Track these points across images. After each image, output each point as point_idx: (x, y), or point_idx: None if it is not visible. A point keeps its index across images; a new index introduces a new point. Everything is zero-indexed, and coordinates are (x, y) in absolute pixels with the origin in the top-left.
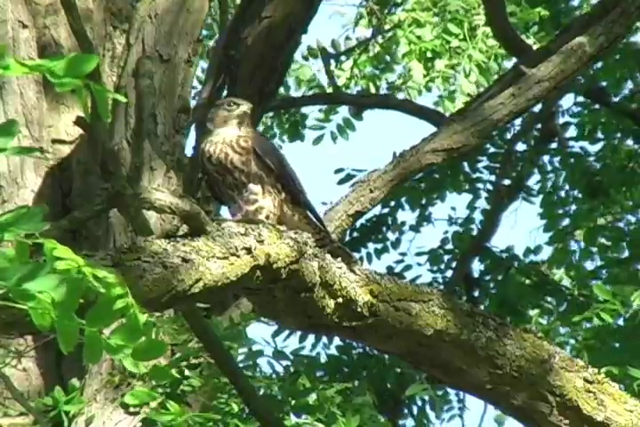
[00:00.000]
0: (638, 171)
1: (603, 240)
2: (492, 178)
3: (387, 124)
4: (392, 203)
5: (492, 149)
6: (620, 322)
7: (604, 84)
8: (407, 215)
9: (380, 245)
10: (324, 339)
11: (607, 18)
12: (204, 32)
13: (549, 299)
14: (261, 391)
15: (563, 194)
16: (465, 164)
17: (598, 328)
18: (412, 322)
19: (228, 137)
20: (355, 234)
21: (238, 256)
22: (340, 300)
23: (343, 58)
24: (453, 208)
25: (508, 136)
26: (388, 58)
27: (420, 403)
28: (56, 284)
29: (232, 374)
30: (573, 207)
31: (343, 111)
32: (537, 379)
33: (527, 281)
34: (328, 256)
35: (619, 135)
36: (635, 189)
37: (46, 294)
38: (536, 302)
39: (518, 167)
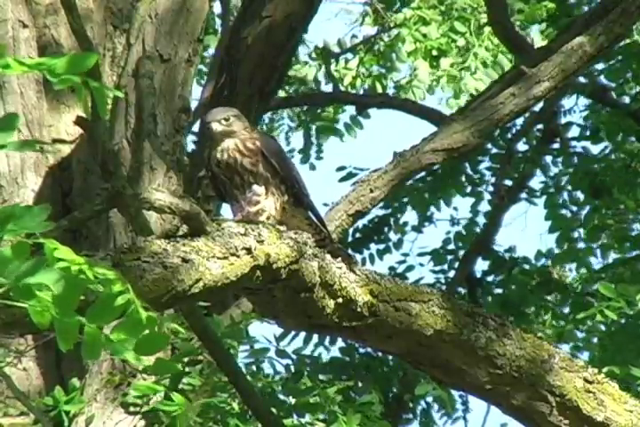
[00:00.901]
0: None
1: (605, 240)
2: (494, 179)
3: (388, 124)
4: (395, 204)
5: (494, 150)
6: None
7: (607, 84)
8: (409, 216)
9: (382, 246)
10: (327, 341)
11: (607, 18)
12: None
13: (552, 299)
14: (262, 391)
15: (566, 194)
16: (467, 165)
17: (608, 327)
18: (411, 322)
19: (232, 144)
20: (357, 235)
21: (238, 256)
22: (340, 300)
23: (349, 56)
24: (455, 208)
25: (509, 136)
26: (393, 56)
27: (424, 404)
28: (56, 278)
29: (232, 373)
30: (577, 208)
31: (350, 109)
32: (537, 379)
33: (530, 281)
34: (328, 256)
35: (621, 135)
36: (638, 189)
37: (46, 292)
38: (539, 303)
39: (520, 168)
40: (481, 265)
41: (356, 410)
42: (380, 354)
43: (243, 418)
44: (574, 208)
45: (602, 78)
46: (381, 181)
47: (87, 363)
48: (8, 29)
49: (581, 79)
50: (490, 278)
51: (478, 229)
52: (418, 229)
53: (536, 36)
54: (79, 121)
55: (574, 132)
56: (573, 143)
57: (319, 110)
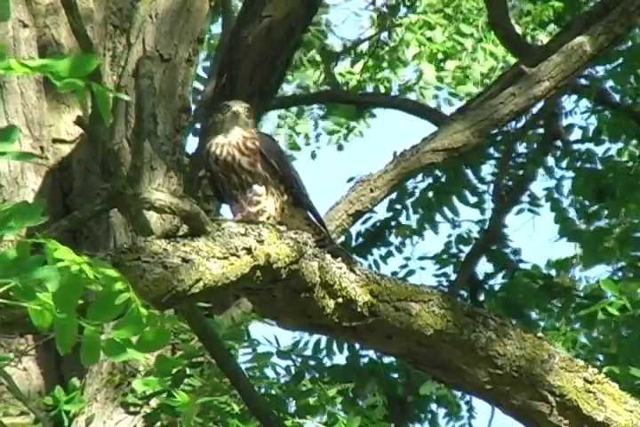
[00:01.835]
0: None
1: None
2: (495, 179)
3: (388, 123)
4: (397, 205)
5: (496, 155)
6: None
7: (610, 86)
8: (411, 219)
9: (384, 251)
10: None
11: (607, 17)
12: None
13: (556, 302)
14: (263, 391)
15: (569, 197)
16: (470, 173)
17: (613, 324)
18: (411, 322)
19: (234, 139)
20: (360, 240)
21: (238, 256)
22: (340, 300)
23: (354, 60)
24: (456, 211)
25: (510, 137)
26: (397, 59)
27: (429, 408)
28: (55, 274)
29: (232, 374)
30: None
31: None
32: (537, 379)
33: (533, 285)
34: (328, 256)
35: (624, 137)
36: None
37: (47, 294)
38: (542, 306)
39: (522, 169)
40: (483, 268)
41: (357, 412)
42: (384, 360)
43: (243, 418)
44: (575, 215)
45: (604, 80)
46: (381, 180)
47: (84, 364)
48: (8, 29)
49: (583, 81)
50: (492, 281)
51: (480, 233)
52: (419, 232)
53: (545, 39)
54: (79, 121)
55: (576, 134)
56: (575, 146)
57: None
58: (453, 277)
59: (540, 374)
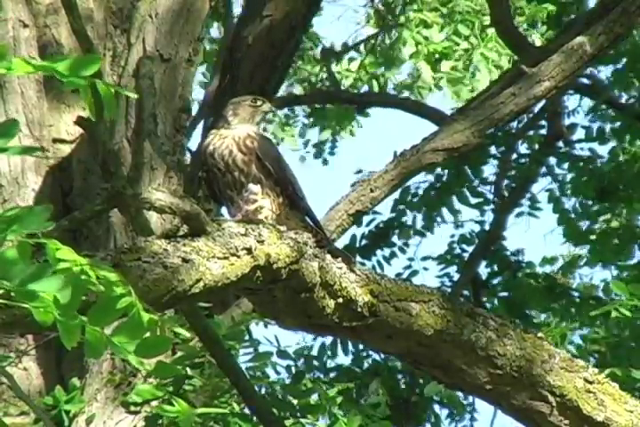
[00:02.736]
0: None
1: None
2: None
3: (389, 123)
4: (400, 207)
5: (498, 155)
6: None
7: (612, 85)
8: (413, 219)
9: (388, 252)
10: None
11: (608, 17)
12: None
13: (559, 303)
14: (263, 391)
15: (572, 198)
16: (471, 174)
17: (622, 325)
18: (412, 322)
19: (238, 134)
20: (364, 241)
21: (238, 256)
22: (341, 300)
23: (351, 57)
24: (459, 211)
25: (511, 136)
26: (393, 58)
27: (432, 409)
28: (61, 285)
29: (233, 373)
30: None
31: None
32: (537, 379)
33: (535, 284)
34: (328, 256)
35: (628, 137)
36: None
37: (49, 293)
38: (545, 306)
39: (523, 168)
40: (486, 268)
41: (359, 410)
42: (387, 361)
43: (244, 418)
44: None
45: (606, 80)
46: (382, 180)
47: (87, 363)
48: (8, 29)
49: (585, 81)
50: (495, 281)
51: (482, 233)
52: (422, 233)
53: (537, 39)
54: (79, 121)
55: (579, 134)
56: (578, 145)
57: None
58: (456, 277)
59: (541, 374)
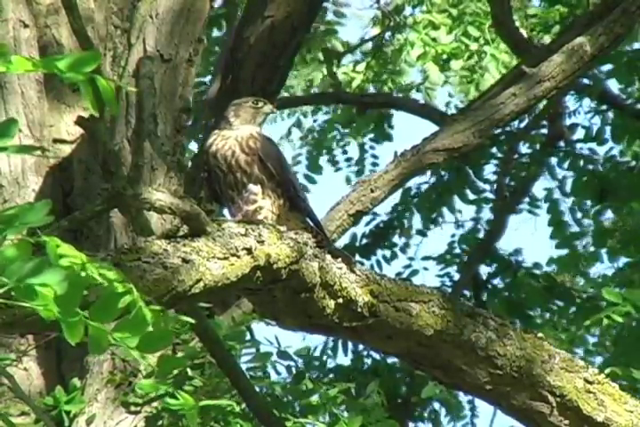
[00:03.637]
0: None
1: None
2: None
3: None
4: (400, 207)
5: (499, 154)
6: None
7: (613, 85)
8: (414, 220)
9: (388, 252)
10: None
11: (608, 17)
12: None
13: (558, 302)
14: (264, 391)
15: (571, 199)
16: (471, 172)
17: (619, 331)
18: (412, 322)
19: (241, 135)
20: (364, 241)
21: (239, 257)
22: (341, 300)
23: (358, 59)
24: (459, 211)
25: (512, 137)
26: (402, 60)
27: (431, 408)
28: (60, 279)
29: (233, 374)
30: (582, 213)
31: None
32: (537, 379)
33: (535, 284)
34: (328, 257)
35: (627, 137)
36: None
37: (49, 290)
38: (545, 306)
39: (524, 169)
40: (486, 268)
41: (360, 409)
42: (387, 361)
43: (244, 418)
44: (580, 214)
45: (607, 80)
46: (382, 181)
47: (88, 363)
48: (9, 29)
49: (586, 81)
50: (495, 282)
51: (483, 233)
52: (423, 233)
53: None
54: (80, 121)
55: (579, 134)
56: (578, 145)
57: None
58: (456, 277)
59: (541, 374)
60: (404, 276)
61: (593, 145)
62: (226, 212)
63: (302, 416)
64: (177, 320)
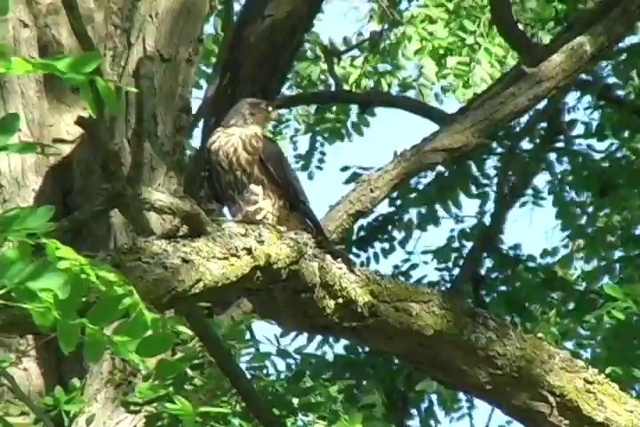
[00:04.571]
0: None
1: (613, 239)
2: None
3: (390, 123)
4: (399, 201)
5: (499, 149)
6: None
7: (612, 81)
8: (414, 214)
9: (386, 245)
10: (330, 339)
11: (608, 17)
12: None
13: (556, 296)
14: (264, 391)
15: (573, 193)
16: (473, 166)
17: (615, 327)
18: (412, 322)
19: (245, 133)
20: (362, 233)
21: (238, 257)
22: (341, 300)
23: (355, 54)
24: (459, 206)
25: (513, 134)
26: (399, 54)
27: (427, 402)
28: (60, 283)
29: (233, 374)
30: (581, 208)
31: (354, 108)
32: (537, 379)
33: (534, 278)
34: (328, 257)
35: (627, 133)
36: None
37: (48, 293)
38: (544, 301)
39: (524, 165)
40: (486, 262)
41: (359, 408)
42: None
43: (244, 418)
44: (578, 210)
45: (607, 76)
46: (382, 180)
47: (88, 362)
48: (9, 29)
49: (585, 77)
50: (494, 276)
51: (483, 226)
52: (422, 227)
53: (546, 37)
54: (80, 121)
55: (579, 129)
56: (578, 141)
57: (322, 114)
58: (456, 271)
59: (541, 374)
60: (403, 269)
61: (592, 141)
62: (226, 211)
63: (302, 415)
64: (177, 320)
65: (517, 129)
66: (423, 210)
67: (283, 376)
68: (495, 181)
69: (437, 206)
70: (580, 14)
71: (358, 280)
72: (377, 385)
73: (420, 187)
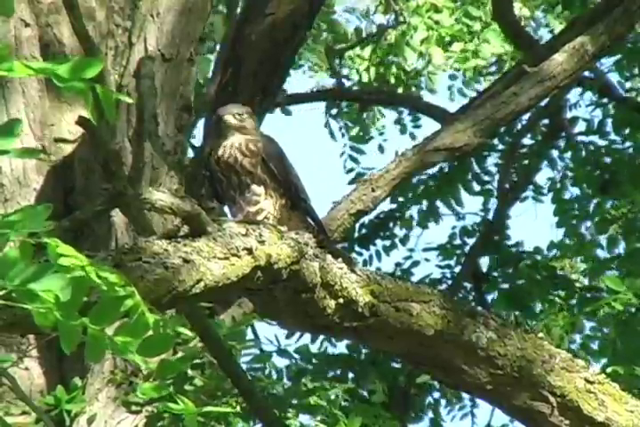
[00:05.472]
0: None
1: (614, 232)
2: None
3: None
4: (401, 199)
5: (500, 146)
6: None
7: (614, 78)
8: (415, 211)
9: (388, 242)
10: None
11: (609, 16)
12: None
13: (559, 293)
14: (265, 391)
15: (574, 189)
16: (474, 163)
17: (616, 319)
18: (412, 322)
19: (236, 141)
20: (363, 231)
21: (239, 257)
22: (341, 300)
23: (361, 47)
24: (461, 202)
25: (515, 131)
26: (405, 45)
27: (431, 400)
28: (62, 284)
29: (233, 374)
30: (584, 202)
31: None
32: (538, 379)
33: (536, 275)
34: (329, 257)
35: (628, 129)
36: None
37: (49, 293)
38: (545, 297)
39: (526, 162)
40: (487, 260)
41: (362, 409)
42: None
43: (245, 418)
44: (577, 205)
45: (608, 73)
46: (383, 180)
47: (89, 362)
48: (10, 28)
49: (587, 73)
50: (496, 273)
51: (484, 223)
52: (423, 224)
53: (553, 21)
54: (81, 121)
55: (580, 126)
56: (580, 138)
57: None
58: (457, 268)
59: (541, 374)
60: (405, 267)
61: (594, 138)
62: (226, 210)
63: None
64: (179, 321)
65: (519, 126)
66: (424, 207)
67: (283, 376)
68: (497, 177)
69: (438, 203)
70: (581, 14)
71: (359, 280)
72: (379, 382)
73: (422, 182)
